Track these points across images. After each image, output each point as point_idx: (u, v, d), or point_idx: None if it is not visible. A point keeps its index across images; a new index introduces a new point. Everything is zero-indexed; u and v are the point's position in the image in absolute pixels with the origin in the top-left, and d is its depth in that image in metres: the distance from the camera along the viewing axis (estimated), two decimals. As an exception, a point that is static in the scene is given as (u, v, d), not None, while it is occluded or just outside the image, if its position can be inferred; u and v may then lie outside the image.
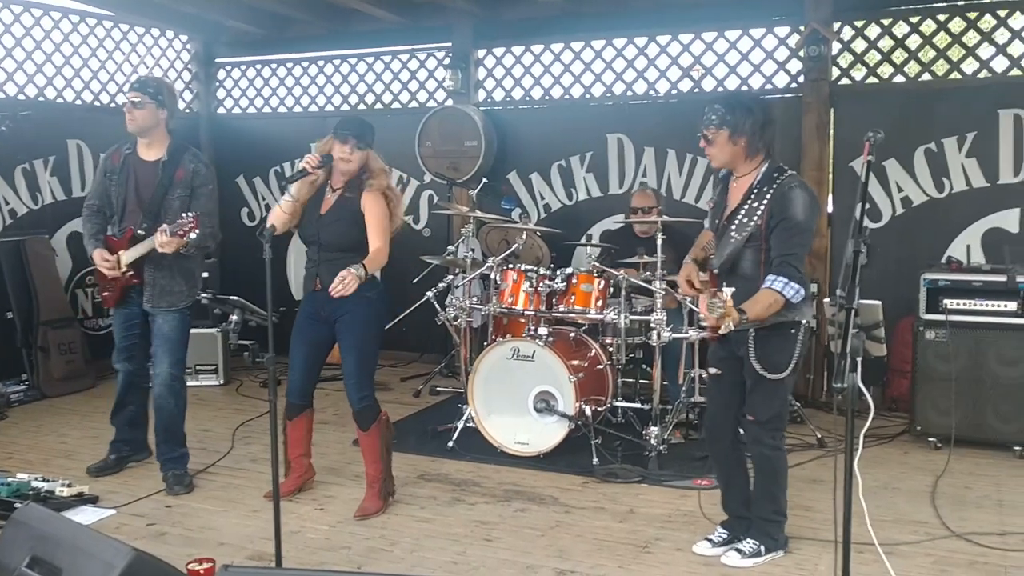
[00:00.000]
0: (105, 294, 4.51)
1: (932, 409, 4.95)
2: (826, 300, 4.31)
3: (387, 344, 7.00)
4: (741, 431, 3.61)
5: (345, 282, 3.71)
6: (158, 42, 7.65)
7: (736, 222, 3.33)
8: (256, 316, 3.40)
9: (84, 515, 3.95)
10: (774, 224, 3.23)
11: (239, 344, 3.53)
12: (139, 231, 4.27)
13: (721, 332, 3.05)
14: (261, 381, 6.60)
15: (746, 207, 3.31)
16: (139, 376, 4.62)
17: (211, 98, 8.13)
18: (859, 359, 2.35)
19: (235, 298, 3.42)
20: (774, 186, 3.27)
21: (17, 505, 3.58)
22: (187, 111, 7.99)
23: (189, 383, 6.30)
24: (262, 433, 5.29)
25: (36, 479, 4.14)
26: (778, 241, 3.23)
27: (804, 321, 3.33)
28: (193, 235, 4.06)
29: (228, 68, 8.09)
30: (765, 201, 3.26)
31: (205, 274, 6.52)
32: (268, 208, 7.81)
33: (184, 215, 4.10)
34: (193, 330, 6.34)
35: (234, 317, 3.37)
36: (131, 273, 4.32)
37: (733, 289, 3.03)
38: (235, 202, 7.99)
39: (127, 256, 4.28)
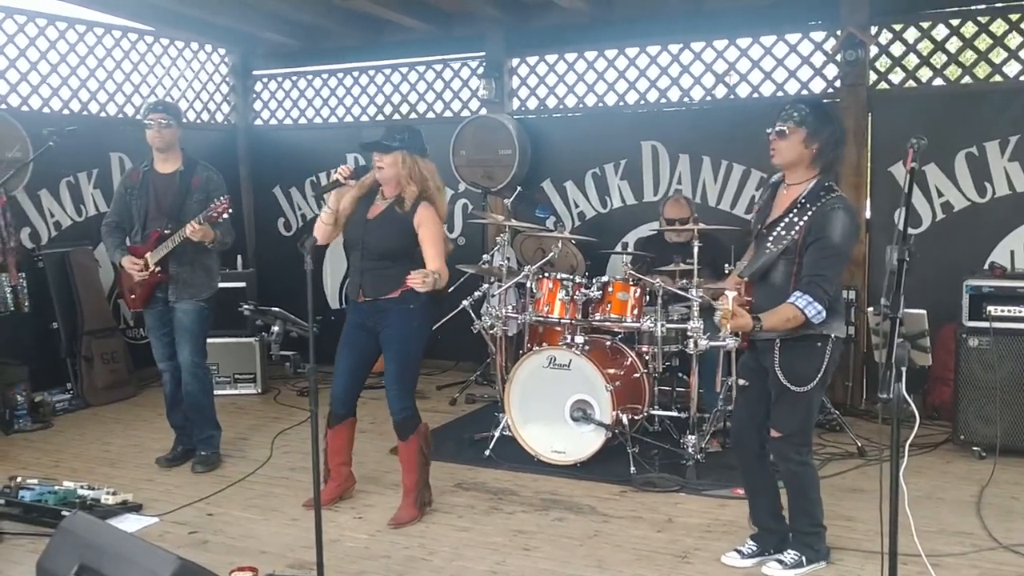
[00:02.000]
0: (132, 296, 4.89)
1: (976, 418, 4.87)
2: (869, 309, 4.25)
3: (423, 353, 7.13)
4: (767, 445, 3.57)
5: (426, 280, 3.65)
6: (197, 56, 7.78)
7: (775, 233, 3.30)
8: (297, 327, 3.43)
9: (128, 523, 4.00)
10: (811, 241, 3.19)
11: (281, 355, 3.56)
12: (165, 231, 4.68)
13: (727, 333, 3.10)
14: (299, 390, 6.68)
15: (787, 219, 3.28)
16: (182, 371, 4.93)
17: (248, 110, 8.23)
18: (904, 369, 2.33)
19: (276, 309, 3.46)
20: (818, 203, 3.22)
21: (64, 513, 3.66)
22: (225, 123, 8.11)
23: (228, 392, 6.56)
24: (300, 442, 5.35)
25: (82, 487, 4.21)
26: (811, 260, 3.20)
27: (833, 335, 3.28)
28: (226, 215, 4.55)
29: (265, 80, 8.19)
30: (807, 217, 3.22)
31: (242, 284, 6.65)
32: (304, 219, 7.90)
33: (216, 200, 4.56)
34: (231, 339, 6.57)
35: (275, 328, 3.40)
36: (159, 270, 4.72)
37: (734, 294, 3.09)
38: (271, 213, 8.09)
39: (154, 256, 4.69)
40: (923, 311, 4.68)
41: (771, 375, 3.34)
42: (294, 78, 8.06)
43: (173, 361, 4.90)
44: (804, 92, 6.21)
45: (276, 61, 8.07)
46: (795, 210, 3.28)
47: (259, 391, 6.71)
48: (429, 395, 6.63)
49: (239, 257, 7.10)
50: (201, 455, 4.89)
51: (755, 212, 3.54)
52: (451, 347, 7.07)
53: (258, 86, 8.22)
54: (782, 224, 3.30)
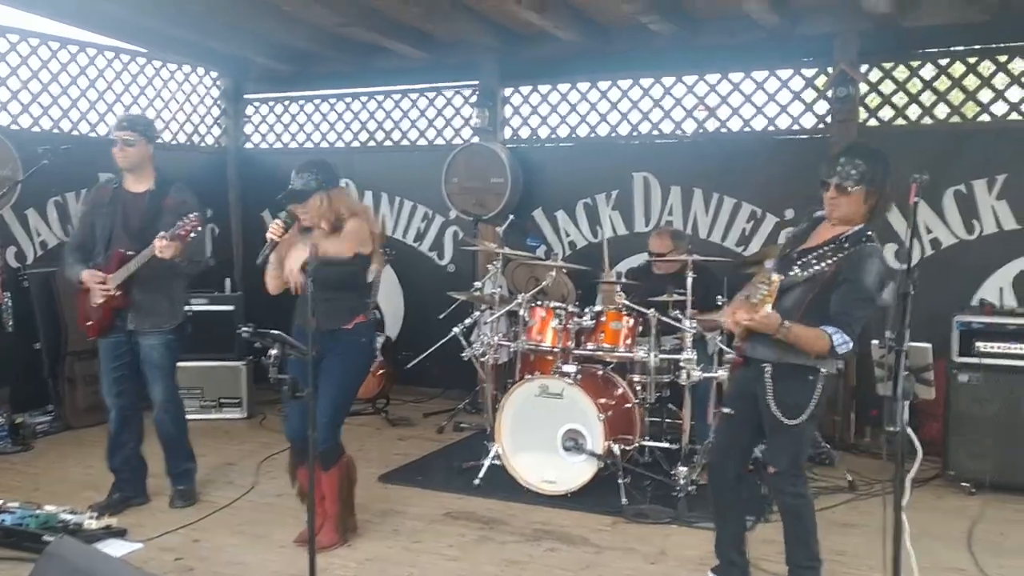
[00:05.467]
0: (90, 323, 4.46)
1: (965, 454, 4.88)
2: (874, 342, 4.27)
3: (410, 379, 7.09)
4: (754, 474, 3.55)
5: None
6: (188, 78, 7.77)
7: (805, 259, 3.30)
8: (295, 351, 3.39)
9: (112, 548, 3.91)
10: (841, 280, 3.19)
11: (278, 378, 3.47)
12: (129, 253, 4.33)
13: (746, 321, 3.08)
14: (285, 415, 6.58)
15: (821, 251, 3.27)
16: (132, 410, 4.58)
17: (239, 133, 8.21)
18: (908, 402, 2.33)
19: (275, 332, 3.41)
20: (857, 246, 3.22)
21: (46, 537, 3.58)
22: (215, 146, 8.09)
23: (213, 416, 6.46)
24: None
25: (65, 511, 4.12)
26: (840, 299, 3.18)
27: (823, 370, 3.27)
28: (194, 234, 4.19)
29: (256, 104, 8.19)
30: (841, 255, 3.22)
31: (231, 307, 6.58)
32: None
33: (185, 217, 4.19)
34: (217, 363, 6.48)
35: (274, 351, 3.36)
36: (120, 293, 4.35)
37: (781, 276, 3.05)
38: (260, 236, 7.79)
39: (115, 277, 4.33)
40: (928, 345, 4.69)
41: (762, 404, 3.33)
42: (286, 103, 8.06)
43: (122, 399, 4.51)
44: (795, 127, 6.28)
45: (268, 85, 8.06)
46: (833, 244, 3.27)
47: (245, 415, 6.62)
48: (416, 422, 6.57)
49: (228, 280, 7.05)
50: (179, 489, 4.63)
51: (789, 235, 3.55)
52: (439, 374, 7.05)
53: (249, 110, 8.21)
54: (815, 253, 3.29)
